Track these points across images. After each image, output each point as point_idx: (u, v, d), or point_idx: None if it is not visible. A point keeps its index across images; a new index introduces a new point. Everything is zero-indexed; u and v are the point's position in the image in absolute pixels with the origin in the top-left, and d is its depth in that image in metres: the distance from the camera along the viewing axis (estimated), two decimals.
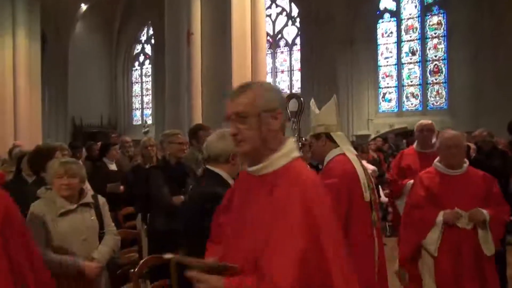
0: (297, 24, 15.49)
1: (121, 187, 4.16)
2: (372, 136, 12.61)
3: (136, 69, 19.07)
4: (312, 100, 2.69)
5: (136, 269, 2.29)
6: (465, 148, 2.82)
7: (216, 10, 5.93)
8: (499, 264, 3.81)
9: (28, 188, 2.91)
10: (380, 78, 14.15)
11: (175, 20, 6.17)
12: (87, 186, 3.70)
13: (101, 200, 2.53)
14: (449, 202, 2.58)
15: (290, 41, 15.85)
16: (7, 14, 9.06)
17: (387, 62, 14.08)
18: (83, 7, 16.86)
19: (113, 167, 4.51)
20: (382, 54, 14.10)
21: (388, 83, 14.10)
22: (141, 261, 2.39)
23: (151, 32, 17.89)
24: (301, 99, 3.87)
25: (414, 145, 3.73)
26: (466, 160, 2.73)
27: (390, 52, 14.02)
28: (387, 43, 14.05)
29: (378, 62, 14.12)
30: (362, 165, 2.33)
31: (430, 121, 3.79)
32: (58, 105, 16.72)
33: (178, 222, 2.23)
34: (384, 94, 14.16)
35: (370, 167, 5.66)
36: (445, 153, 2.64)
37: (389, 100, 14.13)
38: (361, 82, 13.90)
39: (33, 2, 9.65)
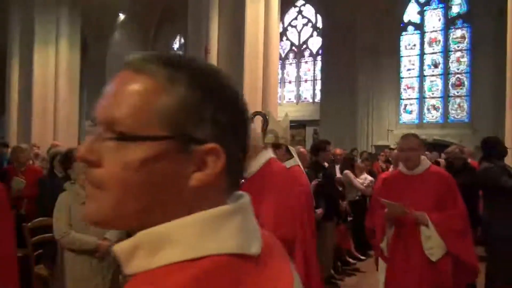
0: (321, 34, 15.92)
1: None
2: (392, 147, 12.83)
3: None
4: (286, 113, 3.26)
5: None
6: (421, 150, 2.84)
7: (231, 30, 6.57)
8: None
9: (58, 181, 3.62)
10: (402, 90, 14.36)
11: (196, 37, 6.87)
12: None
13: None
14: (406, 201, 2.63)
15: (314, 52, 16.30)
16: (52, 27, 10.15)
17: (409, 74, 14.27)
18: (121, 16, 18.07)
19: None
20: (404, 66, 14.32)
21: (409, 95, 14.28)
22: None
23: (183, 41, 18.85)
24: (266, 116, 4.39)
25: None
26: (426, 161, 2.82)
27: (413, 64, 14.21)
28: (409, 55, 14.25)
29: (400, 74, 14.33)
30: None
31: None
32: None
33: None
34: (405, 105, 14.35)
35: (369, 178, 6.07)
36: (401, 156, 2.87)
37: (410, 112, 14.29)
38: (382, 93, 14.14)
39: (74, 17, 10.70)
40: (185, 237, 0.46)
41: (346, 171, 5.56)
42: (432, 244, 2.58)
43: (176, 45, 19.76)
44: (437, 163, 4.45)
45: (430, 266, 2.55)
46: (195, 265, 0.45)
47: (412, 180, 2.72)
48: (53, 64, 10.28)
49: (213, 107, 0.49)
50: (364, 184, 5.74)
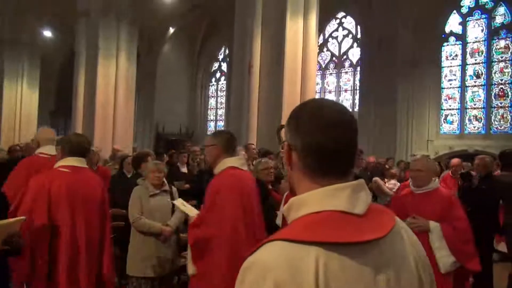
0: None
1: (186, 185, 5.56)
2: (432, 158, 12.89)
3: (213, 84, 21.17)
4: None
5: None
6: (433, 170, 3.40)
7: (273, 47, 7.22)
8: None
9: (129, 180, 4.42)
10: (442, 100, 14.37)
11: (241, 53, 7.61)
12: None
13: (174, 189, 3.92)
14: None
15: (354, 62, 16.64)
16: (113, 42, 11.33)
17: (451, 84, 14.27)
18: (171, 29, 19.37)
19: (184, 169, 5.99)
20: (445, 76, 14.34)
21: (450, 105, 14.27)
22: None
23: (227, 51, 19.83)
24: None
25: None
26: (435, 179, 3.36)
27: (454, 74, 14.20)
28: (451, 66, 14.26)
29: (442, 84, 14.36)
30: None
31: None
32: (146, 114, 19.31)
33: None
34: (446, 116, 14.34)
35: (398, 184, 6.46)
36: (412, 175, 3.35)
37: (451, 122, 14.26)
38: (422, 103, 14.23)
39: (132, 34, 11.88)
40: (313, 200, 0.82)
41: (375, 178, 6.02)
42: (442, 253, 2.91)
43: (221, 56, 20.79)
44: (469, 174, 4.71)
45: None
46: (318, 214, 0.80)
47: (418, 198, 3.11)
48: (114, 75, 11.47)
49: (295, 128, 0.88)
50: (393, 190, 6.17)
